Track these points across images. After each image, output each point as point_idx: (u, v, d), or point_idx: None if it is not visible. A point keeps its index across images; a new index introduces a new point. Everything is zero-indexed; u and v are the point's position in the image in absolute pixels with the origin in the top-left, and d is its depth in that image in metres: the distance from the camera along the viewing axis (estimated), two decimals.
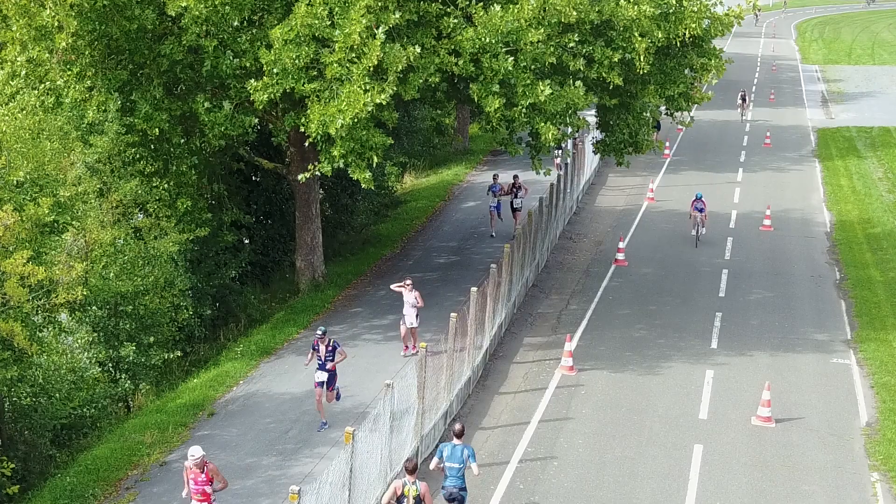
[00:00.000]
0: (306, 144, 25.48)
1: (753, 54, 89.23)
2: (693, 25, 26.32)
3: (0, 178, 21.00)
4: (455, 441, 17.39)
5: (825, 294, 31.85)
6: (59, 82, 24.94)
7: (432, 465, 17.51)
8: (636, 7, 25.08)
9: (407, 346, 25.56)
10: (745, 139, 54.97)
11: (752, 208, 41.26)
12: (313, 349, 21.65)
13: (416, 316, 25.20)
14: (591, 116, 32.64)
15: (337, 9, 22.74)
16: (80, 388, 24.04)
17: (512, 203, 36.22)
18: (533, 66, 24.18)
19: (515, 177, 36.82)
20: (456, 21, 24.05)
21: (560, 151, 41.10)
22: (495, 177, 36.89)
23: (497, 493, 19.37)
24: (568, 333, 26.66)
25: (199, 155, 28.00)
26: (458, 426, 17.67)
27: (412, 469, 16.27)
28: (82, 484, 19.71)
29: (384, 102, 22.62)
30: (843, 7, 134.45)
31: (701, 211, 35.85)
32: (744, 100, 60.45)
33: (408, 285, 25.24)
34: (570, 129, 27.91)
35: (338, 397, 22.05)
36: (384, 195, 41.29)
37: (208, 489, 16.87)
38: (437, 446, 18.58)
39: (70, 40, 23.33)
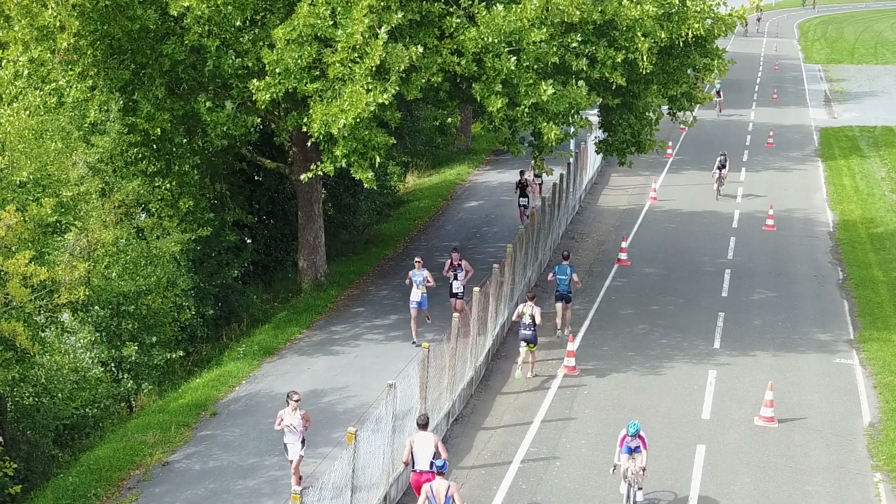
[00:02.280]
0: (309, 144, 25.47)
1: (756, 54, 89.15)
2: (696, 25, 26.28)
3: (3, 178, 20.99)
4: (563, 262, 27.36)
5: (828, 294, 31.82)
6: (60, 82, 24.95)
7: (549, 278, 27.82)
8: (639, 7, 25.05)
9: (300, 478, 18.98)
10: (747, 139, 54.93)
11: (754, 208, 41.22)
12: None
13: (302, 441, 18.92)
14: (593, 116, 32.59)
15: (339, 8, 22.75)
16: (82, 388, 24.04)
17: (451, 287, 27.31)
18: (535, 66, 24.15)
19: (454, 250, 28.37)
20: (458, 21, 24.04)
21: (533, 163, 33.90)
22: (418, 262, 26.71)
23: (499, 493, 19.36)
24: (570, 333, 26.64)
25: (202, 155, 28.00)
26: (565, 252, 28.41)
27: (532, 297, 24.57)
28: (84, 484, 19.71)
29: (386, 102, 22.63)
30: (792, 10, 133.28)
31: (632, 452, 18.87)
32: (722, 167, 42.06)
33: (294, 401, 18.70)
34: (572, 129, 27.86)
35: None
36: (387, 195, 41.30)
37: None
38: (552, 268, 28.30)
39: (72, 40, 23.32)
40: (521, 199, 37.56)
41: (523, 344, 24.26)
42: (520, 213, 37.61)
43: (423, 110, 46.04)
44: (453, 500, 16.05)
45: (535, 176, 37.54)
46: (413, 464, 17.43)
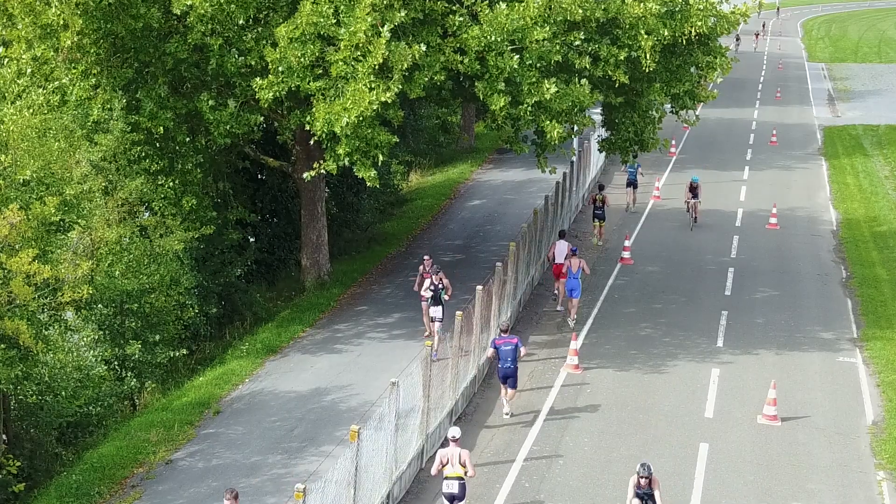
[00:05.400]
0: (312, 143, 25.47)
1: (760, 52, 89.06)
2: (699, 23, 26.26)
3: (6, 176, 21.01)
4: (629, 167, 38.67)
5: (831, 292, 31.78)
6: (64, 80, 24.97)
7: (622, 169, 40.67)
8: (642, 5, 25.04)
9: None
10: (751, 137, 54.88)
11: (758, 206, 41.19)
12: None
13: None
14: (596, 115, 32.56)
15: (342, 7, 22.76)
16: (85, 387, 24.07)
17: None
18: (538, 65, 24.15)
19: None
20: (461, 19, 24.04)
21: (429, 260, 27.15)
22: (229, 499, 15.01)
23: (502, 491, 19.36)
24: (573, 332, 26.64)
25: (205, 153, 28.02)
26: (633, 154, 34.60)
27: (601, 186, 36.52)
28: (88, 482, 19.73)
29: (389, 101, 22.64)
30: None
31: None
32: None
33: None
34: (576, 128, 27.84)
35: None
36: (390, 193, 41.30)
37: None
38: (627, 168, 38.80)
39: (75, 38, 23.36)
40: (433, 307, 25.71)
41: (596, 221, 35.16)
42: (430, 326, 26.03)
43: (427, 109, 46.04)
44: (583, 271, 27.79)
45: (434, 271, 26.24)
46: (554, 259, 29.29)
